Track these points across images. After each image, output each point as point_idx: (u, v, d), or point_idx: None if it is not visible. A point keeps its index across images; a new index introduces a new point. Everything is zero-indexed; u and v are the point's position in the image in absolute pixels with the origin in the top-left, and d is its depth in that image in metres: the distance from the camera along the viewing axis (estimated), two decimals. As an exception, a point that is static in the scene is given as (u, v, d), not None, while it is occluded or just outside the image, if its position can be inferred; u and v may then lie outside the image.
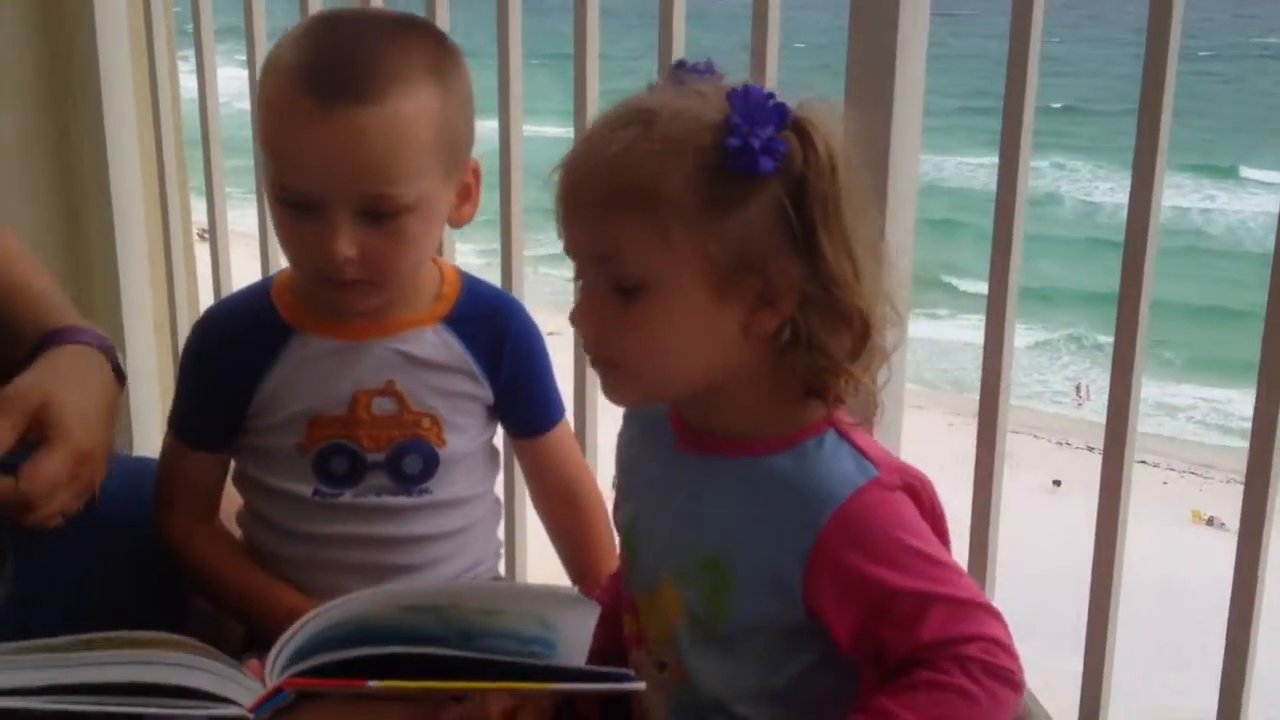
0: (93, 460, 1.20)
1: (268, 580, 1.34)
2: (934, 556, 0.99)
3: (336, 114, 1.16)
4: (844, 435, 1.03)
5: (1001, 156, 1.39)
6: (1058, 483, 14.24)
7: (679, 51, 1.54)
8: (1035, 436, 15.76)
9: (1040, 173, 26.40)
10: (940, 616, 0.97)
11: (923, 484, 1.04)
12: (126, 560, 1.35)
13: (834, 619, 1.00)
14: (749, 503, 1.04)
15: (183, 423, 1.36)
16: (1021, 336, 19.25)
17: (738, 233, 0.97)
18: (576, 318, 1.04)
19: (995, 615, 0.99)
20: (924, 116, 1.45)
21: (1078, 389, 18.70)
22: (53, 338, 1.27)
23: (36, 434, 1.17)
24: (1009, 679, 0.97)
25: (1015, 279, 1.41)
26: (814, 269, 0.98)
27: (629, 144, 0.98)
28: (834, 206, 0.98)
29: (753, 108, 0.96)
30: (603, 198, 0.99)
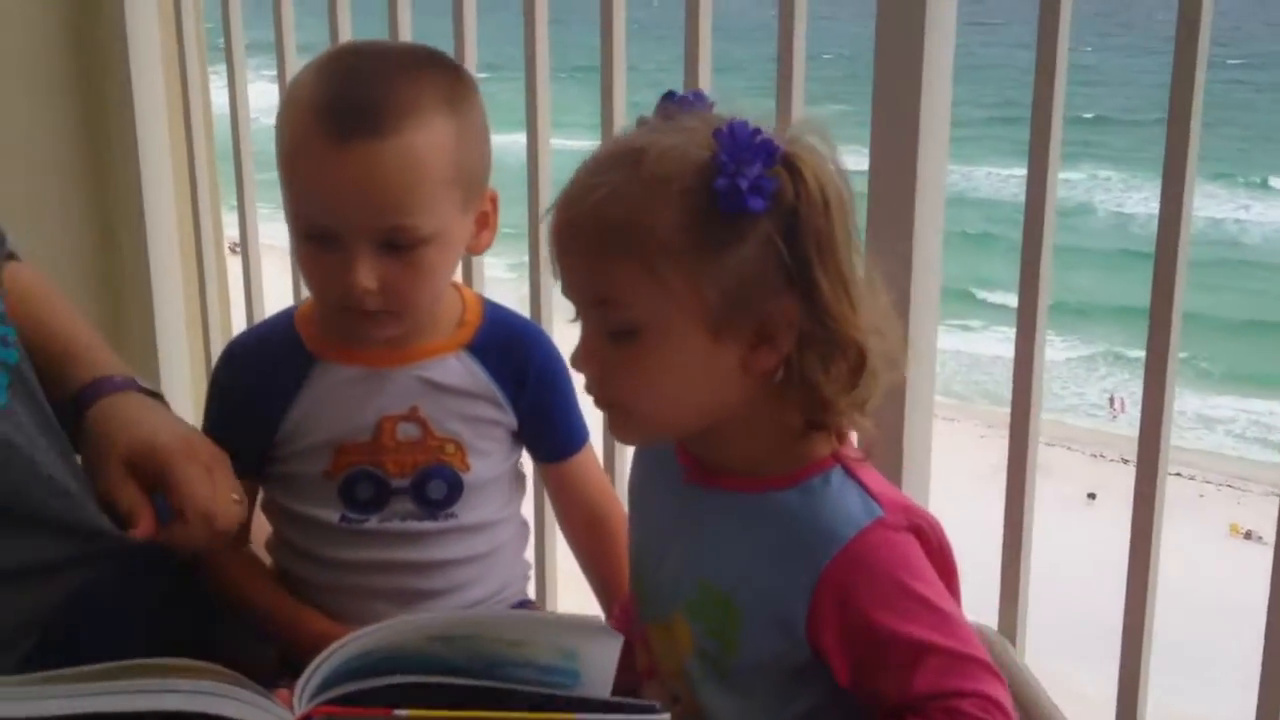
0: (214, 461, 1.25)
1: (297, 606, 1.34)
2: (935, 604, 0.97)
3: (353, 149, 1.18)
4: (851, 473, 1.02)
5: (1030, 166, 1.38)
6: (1093, 495, 14.16)
7: (705, 64, 1.54)
8: (1069, 449, 15.68)
9: (1073, 183, 26.31)
10: (935, 668, 0.95)
11: (930, 525, 1.02)
12: (153, 586, 1.35)
13: (834, 657, 0.99)
14: (756, 539, 1.03)
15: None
16: (1058, 350, 19.27)
17: (731, 272, 0.96)
18: (577, 360, 1.04)
19: (993, 672, 0.97)
20: (954, 127, 1.45)
21: (1111, 401, 18.60)
22: (87, 394, 1.29)
23: (155, 478, 1.22)
24: None
25: (1046, 290, 1.40)
26: (810, 304, 0.97)
27: (617, 186, 0.97)
28: (828, 240, 0.97)
29: (739, 146, 0.95)
30: (593, 242, 0.99)
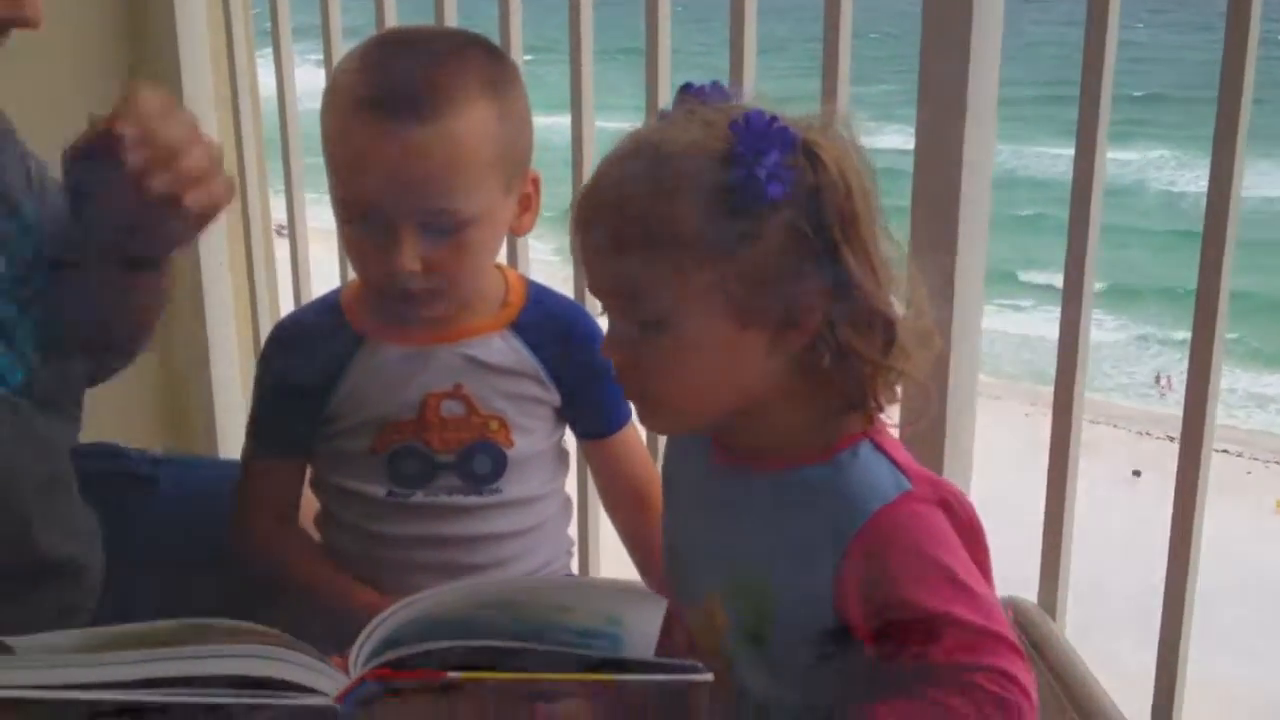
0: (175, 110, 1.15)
1: (347, 580, 1.37)
2: (959, 578, 0.97)
3: (397, 133, 1.20)
4: (880, 446, 1.03)
5: (1078, 145, 1.37)
6: (1138, 473, 14.04)
7: (751, 46, 1.53)
8: (1115, 427, 15.55)
9: (1125, 163, 25.98)
10: (954, 640, 0.95)
11: (959, 500, 1.02)
12: (201, 562, 1.38)
13: (859, 628, 0.99)
14: (787, 516, 1.04)
15: (260, 431, 1.41)
16: (1109, 331, 19.07)
17: (754, 262, 0.97)
18: (606, 351, 1.05)
19: (1014, 649, 0.97)
20: (1004, 106, 1.44)
21: (1158, 379, 18.41)
22: None
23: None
24: (1017, 715, 0.95)
25: (1091, 268, 1.39)
26: (838, 284, 0.97)
27: (637, 182, 0.98)
28: (851, 224, 0.97)
29: (756, 136, 0.95)
30: (615, 239, 1.00)
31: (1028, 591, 1.48)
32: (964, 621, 0.96)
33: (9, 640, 0.94)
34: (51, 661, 0.93)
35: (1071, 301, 1.40)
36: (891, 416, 1.07)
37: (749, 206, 0.95)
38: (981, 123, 1.40)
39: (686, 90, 1.04)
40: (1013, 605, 1.42)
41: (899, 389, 1.04)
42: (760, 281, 0.97)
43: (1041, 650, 1.38)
